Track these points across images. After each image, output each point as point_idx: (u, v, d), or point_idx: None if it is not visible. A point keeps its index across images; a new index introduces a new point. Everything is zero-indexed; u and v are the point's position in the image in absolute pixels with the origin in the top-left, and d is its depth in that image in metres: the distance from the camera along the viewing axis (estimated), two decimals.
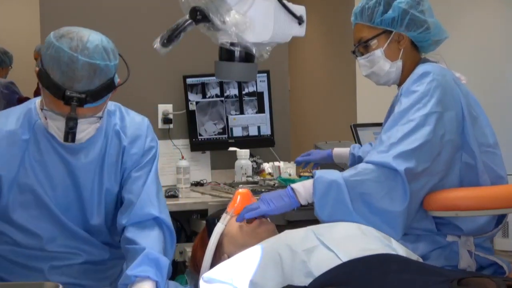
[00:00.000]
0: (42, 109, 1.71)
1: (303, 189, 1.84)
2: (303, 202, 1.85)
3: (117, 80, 1.76)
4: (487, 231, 1.94)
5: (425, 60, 2.07)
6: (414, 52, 2.08)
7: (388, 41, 2.03)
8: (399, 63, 2.05)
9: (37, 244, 1.84)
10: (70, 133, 1.65)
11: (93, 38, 1.68)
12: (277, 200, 1.84)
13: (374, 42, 2.05)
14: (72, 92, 1.61)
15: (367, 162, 1.84)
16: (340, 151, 2.64)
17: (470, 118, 1.94)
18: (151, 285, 1.65)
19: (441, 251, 1.91)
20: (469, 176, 1.93)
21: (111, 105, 1.91)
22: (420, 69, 1.97)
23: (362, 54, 2.09)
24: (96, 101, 1.67)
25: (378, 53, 2.04)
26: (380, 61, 2.05)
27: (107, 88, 1.68)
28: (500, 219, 1.98)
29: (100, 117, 1.75)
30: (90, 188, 1.86)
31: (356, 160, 2.45)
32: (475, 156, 1.92)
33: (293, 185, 1.87)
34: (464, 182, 1.93)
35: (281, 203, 1.84)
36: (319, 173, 1.85)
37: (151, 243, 1.75)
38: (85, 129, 1.74)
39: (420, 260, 1.65)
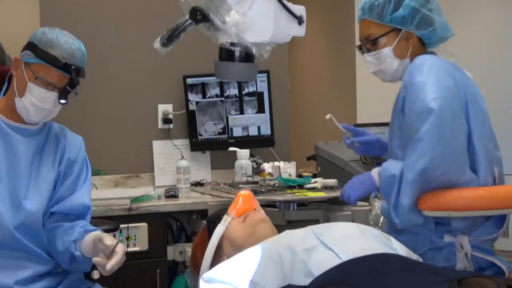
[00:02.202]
0: (36, 78, 1.95)
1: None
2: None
3: None
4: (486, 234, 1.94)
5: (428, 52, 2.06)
6: (422, 48, 2.07)
7: (397, 39, 2.02)
8: (407, 61, 2.04)
9: None
10: (65, 93, 1.97)
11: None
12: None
13: (383, 40, 2.03)
14: (71, 64, 1.97)
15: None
16: None
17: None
18: (101, 232, 1.97)
19: (438, 252, 1.92)
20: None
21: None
22: (417, 60, 1.96)
23: (369, 51, 2.08)
24: (82, 77, 2.01)
25: (387, 51, 2.04)
26: (388, 59, 2.04)
27: (84, 72, 2.02)
28: (502, 223, 1.96)
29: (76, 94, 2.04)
30: (26, 167, 2.00)
31: None
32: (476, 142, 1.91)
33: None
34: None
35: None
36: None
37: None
38: (57, 110, 2.02)
39: (420, 260, 1.65)
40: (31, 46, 1.98)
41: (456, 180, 1.84)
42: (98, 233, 1.95)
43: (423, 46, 2.07)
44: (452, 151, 1.83)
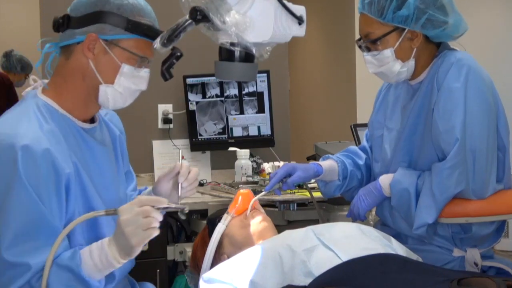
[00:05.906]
0: (140, 56, 1.62)
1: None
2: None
3: None
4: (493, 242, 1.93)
5: (445, 47, 1.92)
6: (430, 45, 1.90)
7: (400, 39, 1.84)
8: (411, 63, 1.88)
9: None
10: (171, 67, 1.66)
11: None
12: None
13: (383, 41, 1.85)
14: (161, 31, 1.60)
15: None
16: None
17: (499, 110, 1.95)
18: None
19: (447, 266, 1.88)
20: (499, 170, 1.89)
21: None
22: (452, 59, 1.84)
23: (369, 50, 1.90)
24: None
25: (388, 53, 1.85)
26: (390, 61, 1.86)
27: None
28: (501, 227, 1.96)
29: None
30: (113, 176, 1.73)
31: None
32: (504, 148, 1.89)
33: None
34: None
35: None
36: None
37: None
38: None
39: (420, 260, 1.65)
40: (107, 17, 1.59)
41: (481, 197, 1.84)
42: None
43: (430, 43, 1.90)
44: (487, 179, 1.82)
